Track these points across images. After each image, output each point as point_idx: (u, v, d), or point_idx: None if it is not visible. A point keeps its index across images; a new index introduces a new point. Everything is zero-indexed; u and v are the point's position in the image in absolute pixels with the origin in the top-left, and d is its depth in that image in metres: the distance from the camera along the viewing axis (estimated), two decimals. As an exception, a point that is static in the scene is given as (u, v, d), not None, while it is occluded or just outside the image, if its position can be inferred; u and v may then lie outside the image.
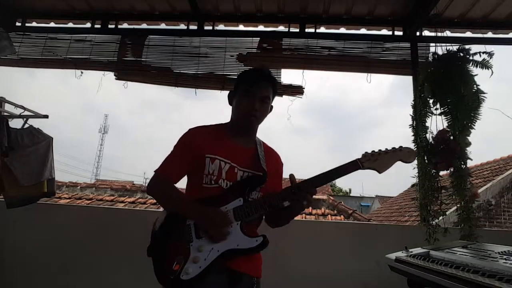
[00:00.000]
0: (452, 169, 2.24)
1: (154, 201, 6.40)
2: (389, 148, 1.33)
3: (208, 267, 1.20)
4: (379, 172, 1.31)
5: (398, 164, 1.35)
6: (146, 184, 1.37)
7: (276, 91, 1.46)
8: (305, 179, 1.29)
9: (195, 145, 1.37)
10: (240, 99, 1.39)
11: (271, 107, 1.46)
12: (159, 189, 1.37)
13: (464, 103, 2.18)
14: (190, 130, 1.43)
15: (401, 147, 1.34)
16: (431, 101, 2.37)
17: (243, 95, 1.38)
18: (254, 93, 1.37)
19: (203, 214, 1.26)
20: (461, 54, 2.28)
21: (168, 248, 1.25)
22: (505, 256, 1.19)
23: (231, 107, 1.47)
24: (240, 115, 1.39)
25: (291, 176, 1.32)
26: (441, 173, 2.34)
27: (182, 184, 1.42)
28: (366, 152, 1.33)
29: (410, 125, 2.44)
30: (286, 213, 1.38)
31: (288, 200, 1.30)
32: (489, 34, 3.11)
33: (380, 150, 1.33)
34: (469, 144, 2.21)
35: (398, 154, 1.33)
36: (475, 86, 2.21)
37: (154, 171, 1.37)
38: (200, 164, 1.33)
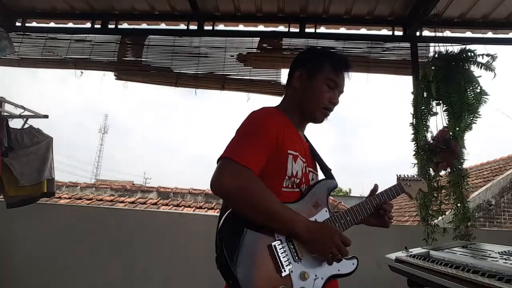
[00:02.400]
0: (449, 169, 2.25)
1: (154, 201, 6.43)
2: (411, 175, 1.38)
3: None
4: (411, 197, 1.35)
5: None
6: (214, 178, 0.95)
7: None
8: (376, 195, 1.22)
9: (277, 134, 1.05)
10: (322, 86, 1.15)
11: None
12: (247, 185, 0.94)
13: (468, 104, 2.19)
14: (269, 110, 1.14)
15: (421, 178, 1.40)
16: (433, 100, 2.37)
17: (326, 84, 1.15)
18: (338, 85, 1.17)
19: (316, 228, 1.00)
20: (467, 55, 2.28)
21: (260, 281, 0.91)
22: (505, 256, 1.19)
23: (293, 86, 1.19)
24: (318, 106, 1.15)
25: (376, 186, 1.23)
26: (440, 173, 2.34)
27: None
28: (401, 176, 1.34)
29: (410, 123, 2.44)
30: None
31: (371, 213, 1.18)
32: (489, 34, 3.11)
33: (406, 176, 1.35)
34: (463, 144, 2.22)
35: (419, 183, 1.36)
36: (478, 87, 2.22)
37: (227, 158, 0.97)
38: (280, 162, 1.05)
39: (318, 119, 1.19)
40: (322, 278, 0.99)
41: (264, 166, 1.02)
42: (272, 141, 1.03)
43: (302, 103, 1.18)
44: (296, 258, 0.97)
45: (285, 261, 0.94)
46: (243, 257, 0.90)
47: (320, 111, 1.16)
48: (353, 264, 1.07)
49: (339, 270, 1.03)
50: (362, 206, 1.16)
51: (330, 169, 1.22)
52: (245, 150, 1.00)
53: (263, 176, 1.02)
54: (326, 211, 1.09)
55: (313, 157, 1.23)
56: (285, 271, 0.93)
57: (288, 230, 0.97)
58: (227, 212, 0.98)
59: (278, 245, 0.96)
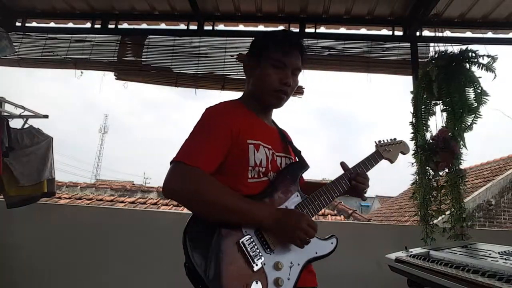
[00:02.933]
0: (447, 169, 2.25)
1: (154, 201, 6.44)
2: (389, 139, 1.35)
3: None
4: (392, 162, 1.32)
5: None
6: (164, 183, 0.95)
7: (304, 60, 1.18)
8: (352, 167, 1.20)
9: (232, 126, 1.02)
10: (267, 69, 1.10)
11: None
12: (198, 186, 0.92)
13: (468, 104, 2.19)
14: (222, 104, 1.11)
15: (400, 140, 1.37)
16: (432, 100, 2.37)
17: (272, 66, 1.10)
18: (286, 64, 1.10)
19: (281, 215, 0.97)
20: (468, 55, 2.29)
21: (230, 280, 0.88)
22: (505, 256, 1.19)
23: (247, 76, 1.21)
24: (268, 90, 1.11)
25: (344, 163, 1.19)
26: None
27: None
28: (379, 142, 1.31)
29: (410, 122, 2.43)
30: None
31: (347, 188, 1.18)
32: (489, 34, 3.11)
33: (384, 140, 1.33)
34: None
35: (399, 146, 1.35)
36: (479, 87, 2.22)
37: (177, 161, 0.95)
38: (241, 154, 1.02)
39: (274, 104, 1.15)
40: (298, 264, 0.98)
41: (222, 161, 1.00)
42: (226, 135, 1.01)
43: (254, 90, 1.15)
44: (268, 250, 0.95)
45: (255, 255, 0.92)
46: (211, 259, 0.87)
47: (271, 95, 1.12)
48: (332, 243, 1.07)
49: (316, 253, 1.03)
50: (337, 183, 1.16)
51: (300, 151, 1.21)
52: (195, 150, 0.98)
53: (226, 171, 1.01)
54: (298, 195, 1.08)
55: (284, 142, 1.20)
56: (256, 265, 0.91)
57: (252, 223, 0.95)
58: (191, 216, 0.95)
59: (247, 240, 0.93)
